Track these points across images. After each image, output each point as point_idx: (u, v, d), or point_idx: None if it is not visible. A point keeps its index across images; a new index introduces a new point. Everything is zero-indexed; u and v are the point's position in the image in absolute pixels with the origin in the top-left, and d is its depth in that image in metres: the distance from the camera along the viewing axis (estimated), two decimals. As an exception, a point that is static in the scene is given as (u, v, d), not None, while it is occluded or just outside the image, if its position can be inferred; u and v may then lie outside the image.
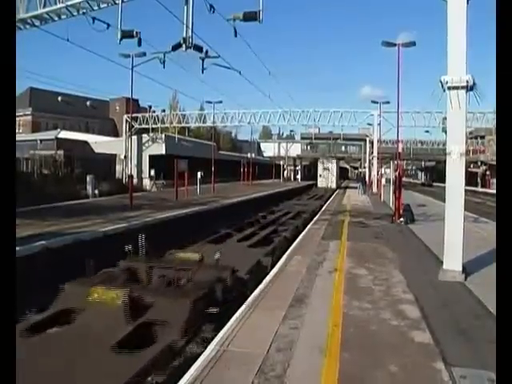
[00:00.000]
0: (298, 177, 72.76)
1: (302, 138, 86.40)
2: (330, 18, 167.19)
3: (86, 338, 5.69)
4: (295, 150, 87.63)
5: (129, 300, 6.51)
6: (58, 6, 14.98)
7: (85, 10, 14.87)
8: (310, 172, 76.29)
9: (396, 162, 25.36)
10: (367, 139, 56.71)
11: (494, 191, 47.00)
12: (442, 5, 8.21)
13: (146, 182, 40.83)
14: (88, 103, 66.36)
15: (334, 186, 54.85)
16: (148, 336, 5.96)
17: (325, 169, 57.29)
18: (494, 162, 56.70)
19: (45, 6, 15.10)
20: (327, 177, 56.93)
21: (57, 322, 6.43)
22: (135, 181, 34.76)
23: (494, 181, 58.39)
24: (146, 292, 7.22)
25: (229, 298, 7.62)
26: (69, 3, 14.78)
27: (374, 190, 41.30)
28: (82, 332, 5.91)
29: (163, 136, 44.75)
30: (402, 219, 17.09)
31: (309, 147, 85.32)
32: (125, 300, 6.45)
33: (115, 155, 39.30)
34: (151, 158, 42.65)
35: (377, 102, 41.08)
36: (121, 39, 13.78)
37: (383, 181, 36.42)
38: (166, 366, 5.43)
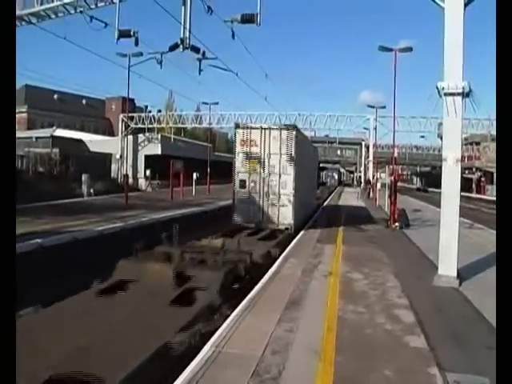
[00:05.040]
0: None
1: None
2: (328, 22, 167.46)
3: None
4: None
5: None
6: (55, 3, 14.95)
7: (82, 9, 14.83)
8: None
9: (391, 167, 25.43)
10: (363, 143, 56.79)
11: (489, 197, 47.28)
12: (441, 12, 8.25)
13: (142, 182, 40.74)
14: (84, 102, 66.08)
15: (288, 220, 14.39)
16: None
17: (253, 157, 14.56)
18: (489, 169, 57.07)
19: (42, 4, 15.07)
20: (262, 187, 14.53)
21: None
22: (130, 180, 34.68)
23: (489, 187, 58.74)
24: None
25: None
26: (66, 1, 14.76)
27: (370, 194, 41.34)
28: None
29: (159, 136, 44.67)
30: (397, 224, 17.14)
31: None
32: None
33: (111, 154, 39.20)
34: (147, 158, 42.55)
35: (373, 107, 41.24)
36: (118, 38, 13.74)
37: (378, 185, 36.49)
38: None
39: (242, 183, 14.50)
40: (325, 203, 32.04)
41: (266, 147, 14.26)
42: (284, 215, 14.28)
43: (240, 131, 14.62)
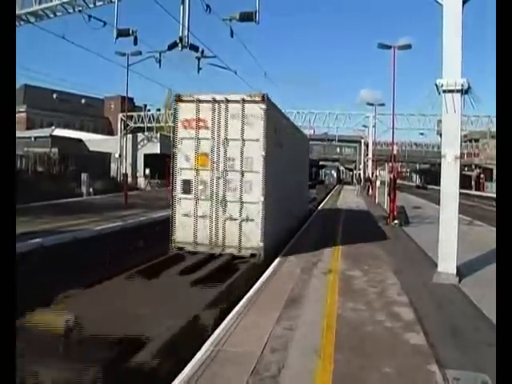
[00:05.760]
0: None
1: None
2: (328, 20, 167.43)
3: None
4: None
5: None
6: (54, 2, 14.98)
7: (81, 8, 14.86)
8: None
9: (391, 164, 25.45)
10: (362, 141, 56.81)
11: (488, 194, 47.29)
12: (439, 9, 8.25)
13: (141, 181, 40.74)
14: (83, 101, 66.09)
15: (256, 241, 9.68)
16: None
17: (202, 146, 10.01)
18: (488, 166, 57.09)
19: (40, 3, 15.08)
20: (216, 192, 9.93)
21: None
22: (130, 180, 34.68)
23: (488, 184, 58.77)
24: None
25: None
26: (64, 0, 14.77)
27: (369, 191, 41.37)
28: None
29: (158, 135, 44.67)
30: (396, 221, 17.14)
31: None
32: None
33: (110, 154, 39.20)
34: (146, 156, 42.55)
35: (372, 104, 41.21)
36: (117, 37, 13.76)
37: (378, 183, 36.46)
38: None
39: (186, 186, 9.95)
40: (321, 205, 28.65)
41: (222, 130, 9.77)
42: (248, 234, 9.63)
43: (182, 106, 10.01)
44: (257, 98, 9.58)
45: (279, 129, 11.15)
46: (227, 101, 9.74)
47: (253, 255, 9.57)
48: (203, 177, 9.88)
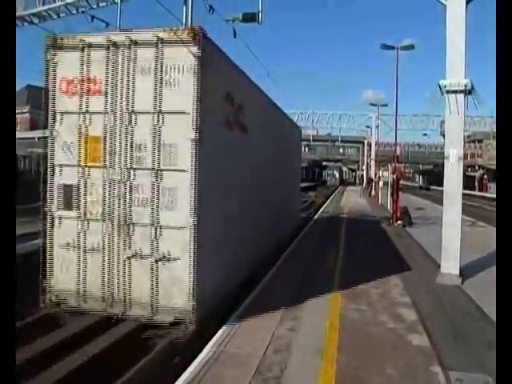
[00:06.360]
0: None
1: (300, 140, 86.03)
2: (331, 21, 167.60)
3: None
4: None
5: None
6: (57, 3, 15.03)
7: (84, 9, 14.92)
8: (308, 175, 74.86)
9: (394, 165, 25.38)
10: (365, 141, 56.75)
11: (492, 195, 47.15)
12: (443, 10, 8.22)
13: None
14: (86, 102, 66.30)
15: (181, 298, 5.31)
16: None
17: (92, 126, 5.74)
18: (492, 166, 56.91)
19: (44, 4, 15.14)
20: (114, 206, 5.63)
21: None
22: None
23: (492, 185, 58.55)
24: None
25: None
26: (68, 1, 14.82)
27: (372, 192, 41.26)
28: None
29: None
30: (399, 222, 17.09)
31: (307, 149, 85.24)
32: None
33: (113, 154, 39.26)
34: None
35: (375, 105, 41.14)
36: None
37: (381, 183, 36.34)
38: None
39: (67, 195, 5.92)
40: (321, 209, 25.52)
41: (124, 96, 5.70)
42: (169, 285, 5.54)
43: (61, 58, 5.92)
44: (184, 36, 5.42)
45: (239, 97, 6.82)
46: (133, 43, 5.64)
47: (175, 323, 5.44)
48: (95, 179, 5.84)
